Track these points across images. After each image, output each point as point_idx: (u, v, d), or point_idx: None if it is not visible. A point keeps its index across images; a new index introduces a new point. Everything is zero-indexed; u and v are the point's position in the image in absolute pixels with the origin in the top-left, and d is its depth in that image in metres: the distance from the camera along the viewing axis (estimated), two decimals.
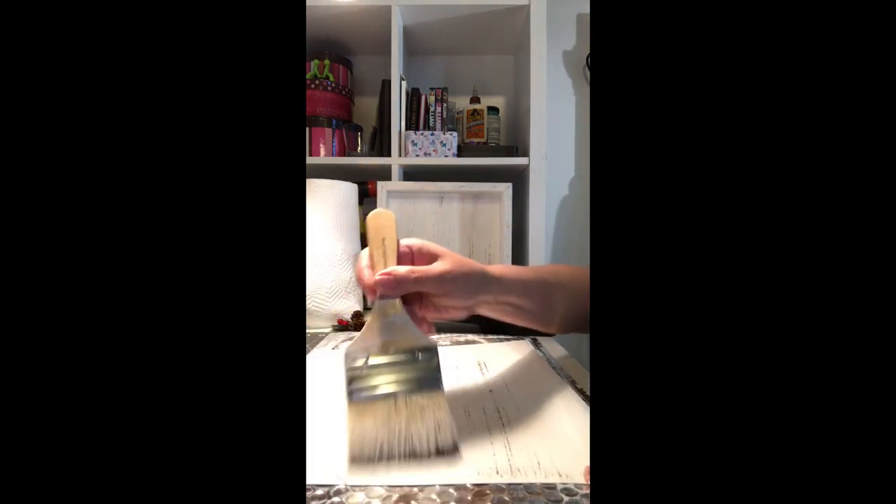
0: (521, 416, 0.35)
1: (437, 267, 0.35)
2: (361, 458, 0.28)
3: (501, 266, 0.42)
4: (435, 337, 0.52)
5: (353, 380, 0.31)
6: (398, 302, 0.33)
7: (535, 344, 0.60)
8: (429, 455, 0.28)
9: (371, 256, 0.35)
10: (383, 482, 0.26)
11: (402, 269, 0.34)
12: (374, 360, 0.31)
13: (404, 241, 0.37)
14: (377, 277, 0.33)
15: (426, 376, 0.31)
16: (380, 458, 0.28)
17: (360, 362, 0.31)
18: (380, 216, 0.37)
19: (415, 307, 0.36)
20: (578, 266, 0.52)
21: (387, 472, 0.27)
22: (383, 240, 0.35)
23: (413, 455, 0.28)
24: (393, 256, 0.35)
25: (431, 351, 0.32)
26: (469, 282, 0.36)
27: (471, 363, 0.51)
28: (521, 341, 0.62)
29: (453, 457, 0.28)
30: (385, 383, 0.31)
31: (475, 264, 0.38)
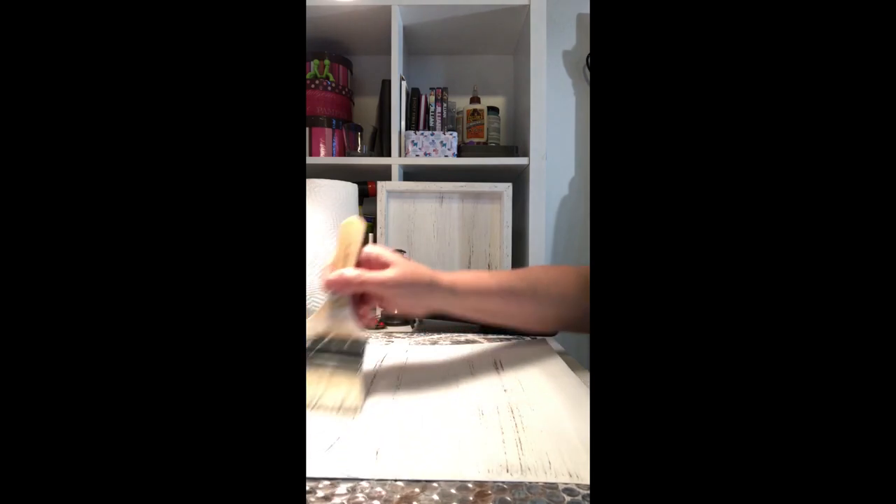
0: (534, 416, 0.35)
1: (382, 274, 0.41)
2: None
3: (460, 274, 0.47)
4: (428, 336, 0.63)
5: None
6: (346, 298, 0.41)
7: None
8: (331, 411, 0.36)
9: (335, 259, 0.43)
10: (395, 475, 0.26)
11: (351, 273, 0.40)
12: (313, 341, 0.40)
13: (367, 249, 0.43)
14: (330, 277, 0.40)
15: (349, 360, 0.40)
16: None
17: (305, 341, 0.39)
18: (350, 225, 0.44)
19: (360, 305, 0.42)
20: (570, 266, 0.55)
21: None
22: (348, 246, 0.43)
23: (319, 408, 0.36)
24: (352, 261, 0.42)
25: (360, 342, 0.40)
26: (413, 289, 0.43)
27: (487, 362, 0.50)
28: (539, 342, 0.61)
29: (352, 415, 0.35)
30: (318, 359, 0.40)
31: (424, 274, 0.43)
